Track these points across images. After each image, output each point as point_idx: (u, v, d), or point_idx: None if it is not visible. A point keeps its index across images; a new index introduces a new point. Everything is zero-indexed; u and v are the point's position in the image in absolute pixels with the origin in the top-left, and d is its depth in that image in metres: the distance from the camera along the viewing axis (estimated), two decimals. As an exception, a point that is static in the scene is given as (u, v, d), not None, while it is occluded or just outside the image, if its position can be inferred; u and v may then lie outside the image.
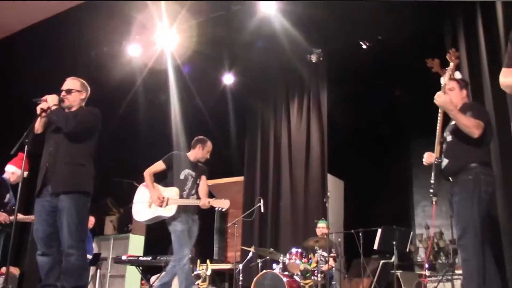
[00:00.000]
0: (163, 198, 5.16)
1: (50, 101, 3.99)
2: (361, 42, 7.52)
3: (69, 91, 4.11)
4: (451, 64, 3.94)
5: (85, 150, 4.02)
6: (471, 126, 3.66)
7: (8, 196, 6.07)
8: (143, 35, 7.79)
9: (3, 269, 6.19)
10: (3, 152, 5.49)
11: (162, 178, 5.46)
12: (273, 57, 8.31)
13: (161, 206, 5.16)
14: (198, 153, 5.44)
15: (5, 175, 6.10)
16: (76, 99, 4.13)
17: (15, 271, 6.32)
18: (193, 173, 5.36)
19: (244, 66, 8.61)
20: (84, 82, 4.26)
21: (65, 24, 7.54)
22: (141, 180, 9.34)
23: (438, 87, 3.98)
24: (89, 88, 4.28)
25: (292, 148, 8.60)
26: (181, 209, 5.17)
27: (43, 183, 3.94)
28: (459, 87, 3.99)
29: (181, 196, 5.19)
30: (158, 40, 7.78)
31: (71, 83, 4.18)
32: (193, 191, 5.33)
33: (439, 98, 3.76)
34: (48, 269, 3.86)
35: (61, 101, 4.07)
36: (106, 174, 7.09)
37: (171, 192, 5.21)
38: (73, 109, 4.14)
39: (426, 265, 6.48)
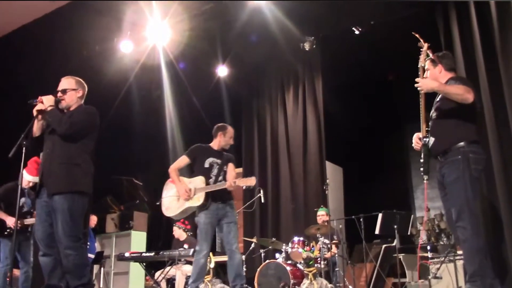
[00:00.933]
0: (190, 189, 5.06)
1: (45, 102, 3.95)
2: (353, 28, 7.52)
3: (64, 91, 4.06)
4: (425, 45, 3.93)
5: (82, 149, 3.95)
6: (462, 92, 3.62)
7: (22, 200, 6.10)
8: (134, 31, 7.74)
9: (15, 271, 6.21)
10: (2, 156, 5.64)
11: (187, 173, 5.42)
12: (266, 47, 8.31)
13: (188, 199, 5.08)
14: (220, 140, 5.33)
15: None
16: (73, 98, 4.08)
17: (19, 273, 6.33)
18: (219, 161, 5.24)
19: (237, 57, 8.61)
20: (80, 79, 4.20)
21: (55, 24, 7.50)
22: (141, 176, 9.42)
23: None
24: (85, 85, 4.23)
25: (290, 137, 8.61)
26: (210, 198, 5.06)
27: (40, 184, 3.96)
28: (433, 65, 3.98)
29: (207, 184, 5.07)
30: (149, 36, 7.76)
31: (65, 82, 4.12)
32: (220, 178, 5.17)
33: (421, 83, 3.74)
34: (50, 269, 3.86)
35: (58, 102, 4.03)
36: (105, 172, 7.07)
37: (197, 181, 5.09)
38: (72, 108, 4.09)
39: (423, 244, 6.52)
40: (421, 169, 3.89)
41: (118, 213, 9.00)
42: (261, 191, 6.90)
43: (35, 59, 7.77)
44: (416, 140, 4.01)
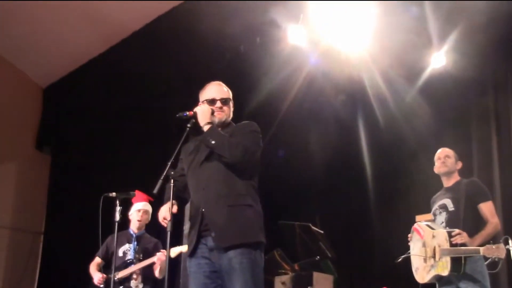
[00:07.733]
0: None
1: (200, 117, 3.30)
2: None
3: (225, 101, 3.44)
4: None
5: (250, 185, 3.32)
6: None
7: (125, 246, 5.31)
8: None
9: None
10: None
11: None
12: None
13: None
14: None
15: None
16: (230, 111, 3.53)
17: None
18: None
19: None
20: None
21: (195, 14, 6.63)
22: (322, 219, 7.40)
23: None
24: None
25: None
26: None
27: (199, 236, 3.27)
28: None
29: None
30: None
31: (223, 90, 3.48)
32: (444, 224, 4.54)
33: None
34: None
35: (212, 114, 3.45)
36: (266, 215, 5.22)
37: (440, 236, 4.20)
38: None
39: None
40: None
41: (291, 275, 7.07)
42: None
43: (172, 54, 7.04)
44: None
